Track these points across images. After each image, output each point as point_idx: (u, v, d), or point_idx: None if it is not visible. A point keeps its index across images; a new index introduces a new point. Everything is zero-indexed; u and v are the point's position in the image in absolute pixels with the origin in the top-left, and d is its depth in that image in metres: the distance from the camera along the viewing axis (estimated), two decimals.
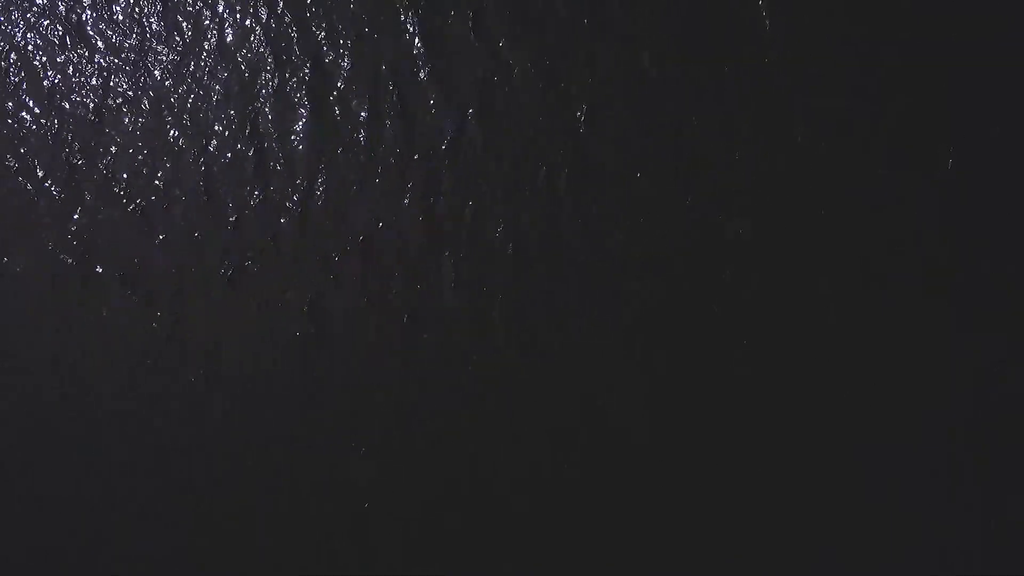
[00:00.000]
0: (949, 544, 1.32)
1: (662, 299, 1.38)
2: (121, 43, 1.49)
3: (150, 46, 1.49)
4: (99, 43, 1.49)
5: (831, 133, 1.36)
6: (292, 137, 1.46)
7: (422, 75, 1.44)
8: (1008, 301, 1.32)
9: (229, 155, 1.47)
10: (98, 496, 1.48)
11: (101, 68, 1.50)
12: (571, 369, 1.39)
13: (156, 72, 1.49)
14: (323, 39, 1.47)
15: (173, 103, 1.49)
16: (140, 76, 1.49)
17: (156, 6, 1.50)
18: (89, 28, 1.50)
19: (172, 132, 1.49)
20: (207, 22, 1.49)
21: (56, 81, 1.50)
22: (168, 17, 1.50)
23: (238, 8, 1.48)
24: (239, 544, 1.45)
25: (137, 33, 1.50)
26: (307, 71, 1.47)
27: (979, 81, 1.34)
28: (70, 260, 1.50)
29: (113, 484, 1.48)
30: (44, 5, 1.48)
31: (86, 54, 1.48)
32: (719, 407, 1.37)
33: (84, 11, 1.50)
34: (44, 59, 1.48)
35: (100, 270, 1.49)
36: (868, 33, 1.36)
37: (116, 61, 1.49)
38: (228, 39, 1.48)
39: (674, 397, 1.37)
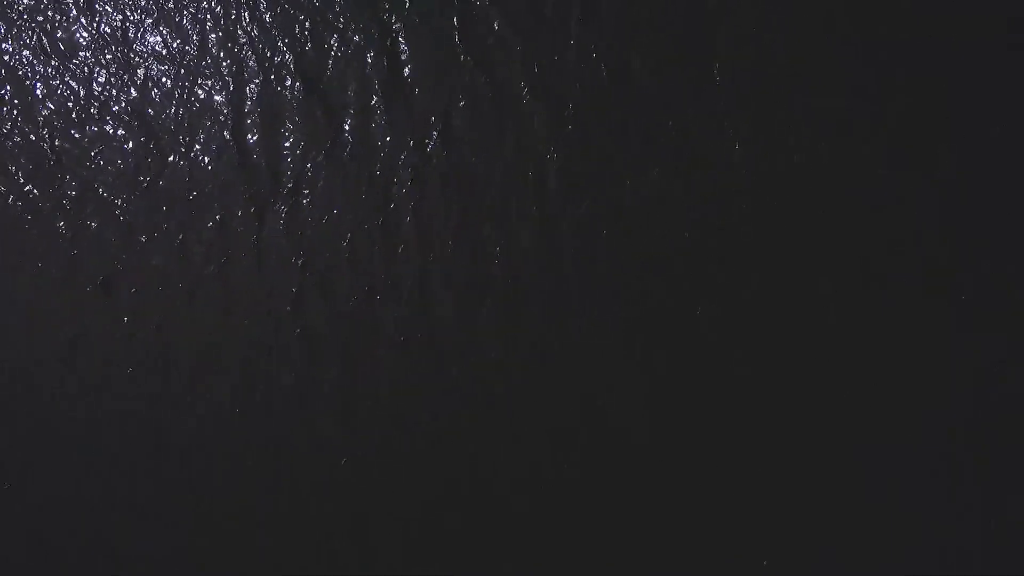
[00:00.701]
0: (949, 544, 1.32)
1: (662, 299, 1.38)
2: (102, 48, 1.50)
3: (132, 50, 1.50)
4: (79, 49, 1.49)
5: (831, 133, 1.36)
6: (277, 141, 1.46)
7: (407, 74, 1.44)
8: (1008, 301, 1.32)
9: (212, 160, 1.47)
10: (98, 496, 1.48)
11: (82, 72, 1.50)
12: (571, 369, 1.39)
13: (138, 77, 1.49)
14: (308, 42, 1.47)
15: (157, 107, 1.49)
16: (122, 81, 1.49)
17: (138, 11, 1.50)
18: (68, 34, 1.51)
19: (155, 137, 1.49)
20: (189, 27, 1.49)
21: (36, 86, 1.50)
22: (150, 21, 1.50)
23: (221, 14, 1.48)
24: (239, 544, 1.45)
25: (118, 38, 1.50)
26: (292, 74, 1.47)
27: (979, 81, 1.34)
28: (50, 264, 1.50)
29: (113, 484, 1.48)
30: (24, 11, 1.48)
31: (67, 59, 1.49)
32: (719, 407, 1.37)
33: (65, 17, 1.50)
34: (25, 65, 1.49)
35: (80, 274, 1.49)
36: (868, 33, 1.36)
37: (96, 66, 1.49)
38: (211, 44, 1.48)
39: (674, 397, 1.37)
